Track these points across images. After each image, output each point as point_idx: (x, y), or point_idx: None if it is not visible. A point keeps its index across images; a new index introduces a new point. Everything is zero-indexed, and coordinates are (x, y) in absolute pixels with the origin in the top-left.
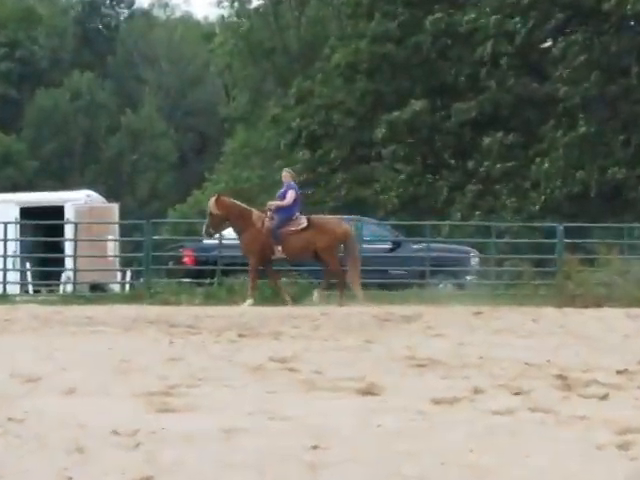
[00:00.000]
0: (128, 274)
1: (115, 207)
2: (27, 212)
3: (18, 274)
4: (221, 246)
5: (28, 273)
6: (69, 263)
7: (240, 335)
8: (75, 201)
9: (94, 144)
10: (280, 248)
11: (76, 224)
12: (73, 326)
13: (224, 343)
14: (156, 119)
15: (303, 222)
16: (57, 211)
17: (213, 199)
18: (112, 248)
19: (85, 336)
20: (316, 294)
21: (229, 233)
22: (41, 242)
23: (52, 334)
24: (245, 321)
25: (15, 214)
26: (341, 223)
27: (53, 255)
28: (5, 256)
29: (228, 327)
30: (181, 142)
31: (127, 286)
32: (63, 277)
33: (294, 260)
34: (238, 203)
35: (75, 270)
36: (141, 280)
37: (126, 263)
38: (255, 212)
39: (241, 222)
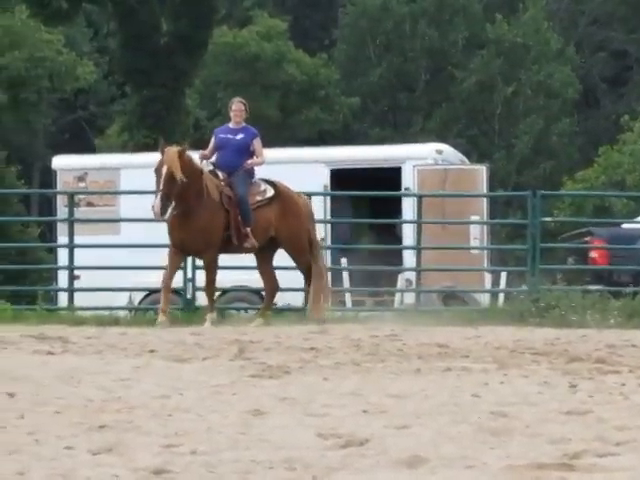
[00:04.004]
0: (503, 278)
1: (482, 171)
2: (342, 178)
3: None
4: None
5: (344, 275)
6: (409, 259)
7: None
8: (419, 160)
9: (444, 70)
10: (250, 231)
11: (420, 197)
12: (416, 359)
13: None
14: (545, 31)
15: (267, 189)
16: (390, 176)
17: (174, 154)
18: (479, 236)
19: (436, 375)
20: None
21: None
22: (365, 226)
23: (381, 371)
24: None
25: (323, 180)
26: (302, 196)
27: (384, 247)
28: None
29: None
30: (586, 68)
31: (501, 296)
32: (400, 281)
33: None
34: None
35: (419, 270)
36: (523, 287)
37: (500, 260)
38: (206, 174)
39: (195, 193)
